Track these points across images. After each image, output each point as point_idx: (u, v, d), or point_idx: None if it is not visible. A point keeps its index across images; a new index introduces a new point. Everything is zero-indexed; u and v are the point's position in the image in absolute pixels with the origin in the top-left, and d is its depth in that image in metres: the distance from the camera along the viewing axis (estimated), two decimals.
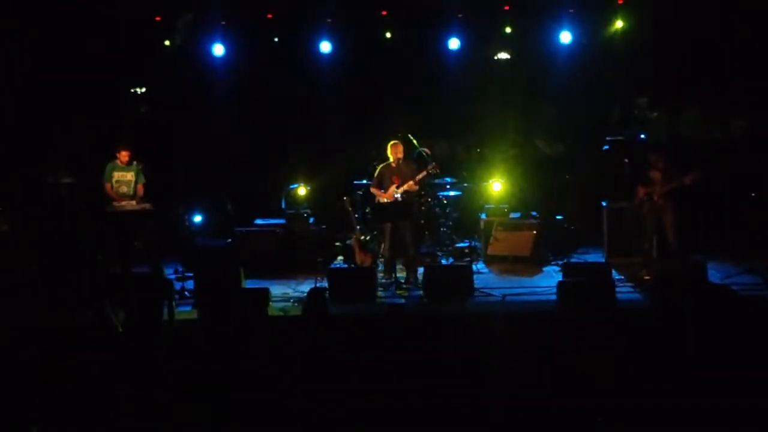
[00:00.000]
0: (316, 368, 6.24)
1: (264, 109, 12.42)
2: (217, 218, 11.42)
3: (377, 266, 10.28)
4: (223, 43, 12.01)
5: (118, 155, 10.39)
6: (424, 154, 10.29)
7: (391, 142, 10.07)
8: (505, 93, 12.46)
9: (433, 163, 9.99)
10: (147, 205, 10.36)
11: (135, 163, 10.42)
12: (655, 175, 9.97)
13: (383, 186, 10.06)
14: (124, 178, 10.44)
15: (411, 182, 9.93)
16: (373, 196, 10.22)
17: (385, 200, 10.02)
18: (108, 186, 10.40)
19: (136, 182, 10.44)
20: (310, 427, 5.82)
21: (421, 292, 9.65)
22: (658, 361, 6.55)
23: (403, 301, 9.51)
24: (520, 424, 5.92)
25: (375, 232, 10.52)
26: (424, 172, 9.97)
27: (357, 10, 12.04)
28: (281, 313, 8.86)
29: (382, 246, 10.28)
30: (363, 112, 12.42)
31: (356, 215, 10.54)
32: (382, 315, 8.51)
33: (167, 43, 11.95)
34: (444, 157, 12.26)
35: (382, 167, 10.15)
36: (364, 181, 10.93)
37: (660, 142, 12.10)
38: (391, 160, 10.03)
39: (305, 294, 8.33)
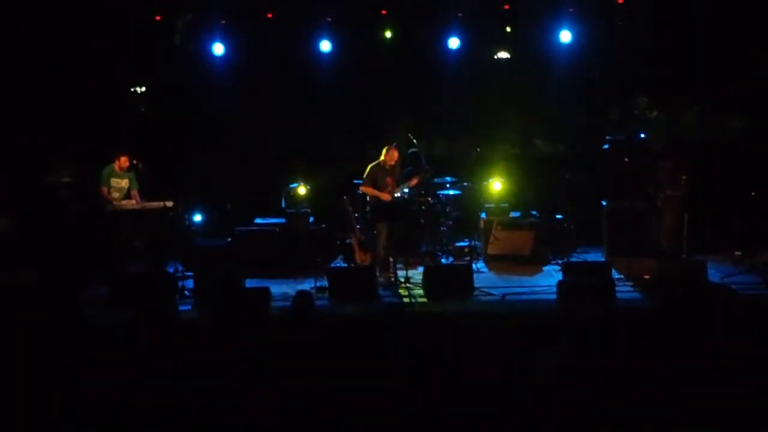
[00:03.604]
0: (313, 368, 6.24)
1: (264, 108, 12.42)
2: (217, 218, 11.44)
3: (377, 266, 10.31)
4: (223, 42, 12.02)
5: (117, 161, 10.47)
6: (418, 154, 10.47)
7: (390, 146, 10.15)
8: (505, 93, 12.47)
9: (427, 167, 10.44)
10: (156, 204, 10.41)
11: (134, 166, 10.50)
12: (662, 177, 10.18)
13: (377, 186, 10.15)
14: (118, 185, 10.57)
15: (412, 182, 10.12)
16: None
17: (385, 200, 10.12)
18: (105, 190, 10.48)
19: (129, 189, 10.59)
20: (309, 427, 5.82)
21: (421, 292, 9.68)
22: (658, 361, 6.55)
23: (403, 300, 9.52)
24: (519, 424, 5.92)
25: (375, 232, 10.54)
26: (417, 179, 10.33)
27: (357, 10, 12.05)
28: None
29: (378, 245, 10.30)
30: (363, 111, 12.43)
31: (356, 215, 10.55)
32: (382, 315, 8.51)
33: (167, 42, 11.95)
34: (444, 157, 12.28)
35: (373, 167, 10.24)
36: None
37: (666, 144, 12.11)
38: (383, 161, 10.14)
39: None
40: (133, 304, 8.50)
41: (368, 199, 10.37)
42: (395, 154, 10.17)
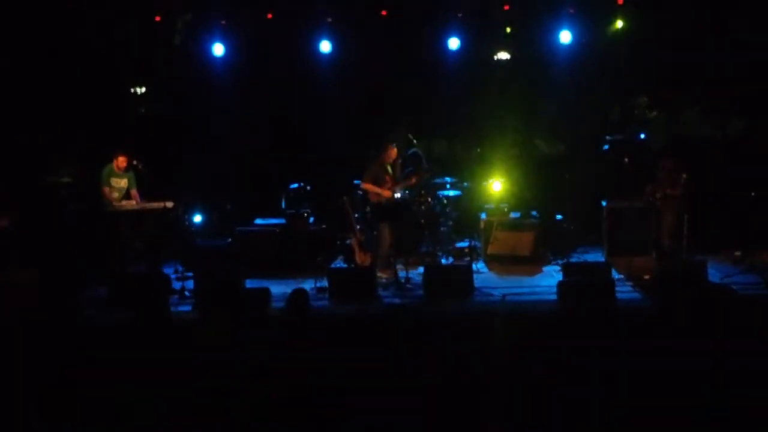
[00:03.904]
0: (312, 368, 6.24)
1: (264, 108, 12.42)
2: (217, 218, 11.44)
3: (377, 266, 10.31)
4: (223, 42, 12.02)
5: (115, 161, 10.48)
6: (419, 154, 10.49)
7: (390, 145, 10.20)
8: (505, 93, 12.46)
9: (426, 168, 10.55)
10: (156, 204, 10.42)
11: (133, 166, 10.49)
12: (661, 177, 10.19)
13: (378, 183, 10.20)
14: (117, 184, 10.60)
15: (411, 181, 10.26)
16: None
17: (386, 196, 10.18)
18: (106, 190, 10.49)
19: (128, 189, 10.61)
20: (309, 427, 5.83)
21: (421, 292, 9.68)
22: (658, 361, 6.55)
23: (403, 300, 9.52)
24: (520, 424, 5.92)
25: (375, 232, 10.55)
26: (415, 178, 10.42)
27: (357, 11, 12.04)
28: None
29: (380, 245, 10.31)
30: (363, 111, 12.42)
31: (356, 215, 10.56)
32: (382, 315, 8.50)
33: (167, 42, 11.95)
34: (444, 157, 12.28)
35: (373, 165, 10.29)
36: None
37: (665, 144, 12.11)
38: (383, 159, 10.19)
39: None
40: (131, 304, 8.50)
41: (368, 198, 10.38)
42: (394, 152, 10.28)
